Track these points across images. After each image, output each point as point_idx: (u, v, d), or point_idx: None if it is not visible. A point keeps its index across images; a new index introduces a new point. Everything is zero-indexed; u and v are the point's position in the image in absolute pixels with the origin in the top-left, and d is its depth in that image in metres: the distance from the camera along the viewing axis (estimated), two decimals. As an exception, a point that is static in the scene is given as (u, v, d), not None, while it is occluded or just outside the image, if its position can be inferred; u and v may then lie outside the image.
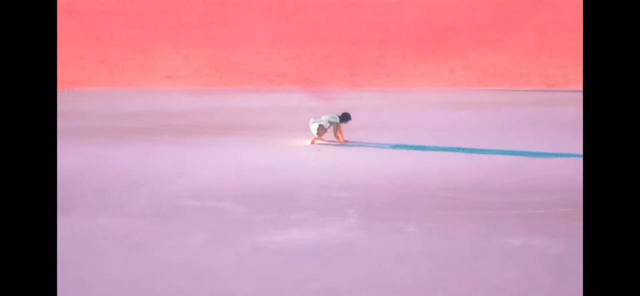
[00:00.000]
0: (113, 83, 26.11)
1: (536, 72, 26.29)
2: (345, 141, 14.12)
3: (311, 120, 13.96)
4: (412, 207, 9.08)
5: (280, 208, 9.00)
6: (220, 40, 28.54)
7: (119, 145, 13.65)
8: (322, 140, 13.96)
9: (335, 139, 14.05)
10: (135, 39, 28.45)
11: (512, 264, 6.99)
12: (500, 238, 7.81)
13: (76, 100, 21.47)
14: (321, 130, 13.75)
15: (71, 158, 11.83)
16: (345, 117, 14.14)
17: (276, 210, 8.89)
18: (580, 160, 11.81)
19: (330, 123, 13.91)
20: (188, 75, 26.85)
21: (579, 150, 13.07)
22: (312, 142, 13.99)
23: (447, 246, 7.50)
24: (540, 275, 6.74)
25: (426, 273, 6.73)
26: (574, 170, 11.41)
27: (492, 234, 7.95)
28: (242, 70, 26.36)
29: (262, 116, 18.73)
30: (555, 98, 23.79)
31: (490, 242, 7.69)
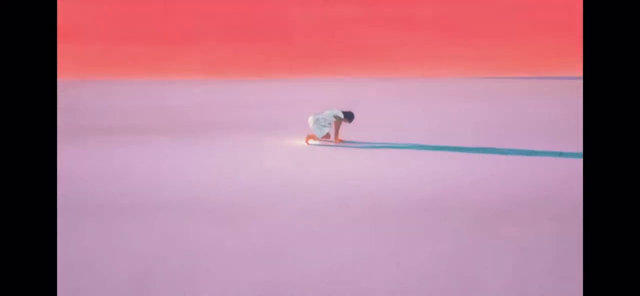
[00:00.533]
0: (107, 75, 25.65)
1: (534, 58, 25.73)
2: (341, 141, 13.56)
3: (310, 117, 13.34)
4: (413, 223, 8.60)
5: (266, 226, 8.49)
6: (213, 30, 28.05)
7: (110, 145, 13.24)
8: (316, 139, 13.35)
9: (329, 137, 13.46)
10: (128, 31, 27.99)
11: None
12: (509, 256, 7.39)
13: (69, 93, 21.10)
14: (326, 135, 13.22)
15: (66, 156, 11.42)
16: (349, 116, 13.44)
17: (261, 229, 8.37)
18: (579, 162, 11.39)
19: (335, 117, 13.29)
20: (180, 66, 26.38)
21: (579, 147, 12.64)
22: (307, 141, 13.46)
23: (454, 272, 7.05)
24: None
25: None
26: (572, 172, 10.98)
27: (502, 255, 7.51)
28: (233, 60, 25.80)
29: (253, 111, 18.29)
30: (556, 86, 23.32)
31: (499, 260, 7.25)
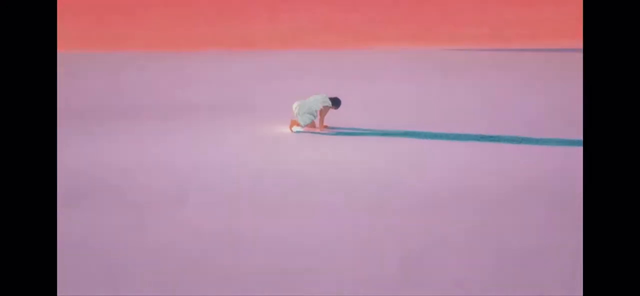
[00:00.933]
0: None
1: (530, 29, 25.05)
2: (325, 127, 13.07)
3: (295, 104, 12.81)
4: (413, 219, 8.19)
5: (253, 229, 8.05)
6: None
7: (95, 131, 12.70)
8: (299, 125, 12.83)
9: (314, 126, 12.94)
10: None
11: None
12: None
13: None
14: (311, 123, 12.71)
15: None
16: (336, 102, 12.88)
17: (243, 240, 7.94)
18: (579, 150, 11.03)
19: (323, 105, 12.75)
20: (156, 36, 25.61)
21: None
22: (291, 128, 12.97)
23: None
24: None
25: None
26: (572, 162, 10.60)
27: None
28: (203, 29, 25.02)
29: (229, 89, 17.65)
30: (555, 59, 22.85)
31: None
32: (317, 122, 12.91)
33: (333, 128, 13.03)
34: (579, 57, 23.05)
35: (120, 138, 12.51)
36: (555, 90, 17.49)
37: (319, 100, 12.67)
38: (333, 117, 13.83)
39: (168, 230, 7.81)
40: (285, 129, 13.02)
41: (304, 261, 6.90)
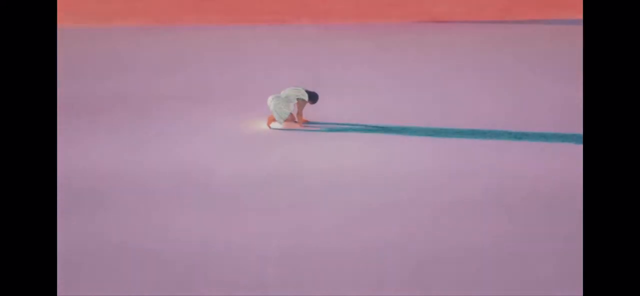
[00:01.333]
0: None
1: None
2: (305, 121, 12.58)
3: (270, 98, 12.25)
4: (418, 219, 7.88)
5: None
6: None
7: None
8: (277, 121, 12.28)
9: (293, 121, 12.39)
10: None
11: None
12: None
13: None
14: (290, 117, 12.17)
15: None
16: (313, 97, 12.43)
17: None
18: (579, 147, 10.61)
19: (298, 99, 12.22)
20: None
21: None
22: (269, 124, 12.44)
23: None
24: None
25: None
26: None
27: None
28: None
29: (185, 75, 16.55)
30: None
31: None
32: (295, 115, 12.38)
33: (313, 123, 12.53)
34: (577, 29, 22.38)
35: (100, 136, 11.83)
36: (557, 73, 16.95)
37: (294, 93, 12.18)
38: (311, 110, 13.24)
39: (164, 234, 7.77)
40: (263, 125, 12.49)
41: (303, 265, 6.84)
